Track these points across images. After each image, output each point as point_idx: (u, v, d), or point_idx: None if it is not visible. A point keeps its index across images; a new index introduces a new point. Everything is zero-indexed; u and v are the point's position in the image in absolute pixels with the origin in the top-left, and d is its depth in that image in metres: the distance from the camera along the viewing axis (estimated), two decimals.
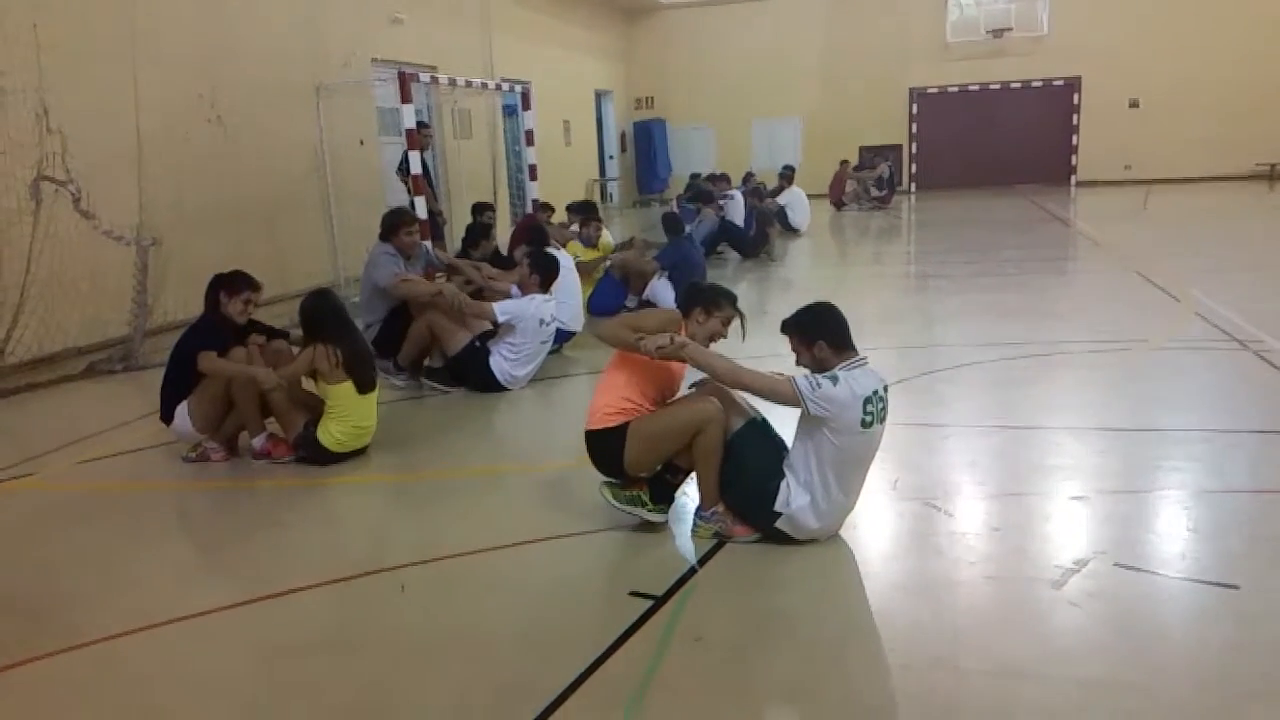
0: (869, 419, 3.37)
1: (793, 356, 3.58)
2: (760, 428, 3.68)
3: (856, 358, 3.47)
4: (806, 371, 3.47)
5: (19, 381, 6.74)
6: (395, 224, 6.33)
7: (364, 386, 4.78)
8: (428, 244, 7.30)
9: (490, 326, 6.09)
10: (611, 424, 3.67)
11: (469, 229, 8.01)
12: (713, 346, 3.78)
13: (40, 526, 4.37)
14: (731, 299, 3.85)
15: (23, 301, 6.87)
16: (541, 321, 6.11)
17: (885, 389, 3.46)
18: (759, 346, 4.59)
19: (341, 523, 4.33)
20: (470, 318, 6.12)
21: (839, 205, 18.58)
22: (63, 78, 7.17)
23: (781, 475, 3.48)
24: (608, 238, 9.91)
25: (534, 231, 7.93)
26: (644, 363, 3.65)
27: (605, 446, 3.71)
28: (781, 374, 3.45)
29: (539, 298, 6.14)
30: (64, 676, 3.00)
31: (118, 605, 3.43)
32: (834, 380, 3.34)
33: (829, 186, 18.98)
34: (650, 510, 3.71)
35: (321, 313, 4.78)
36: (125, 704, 2.84)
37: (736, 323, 3.85)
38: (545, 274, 6.23)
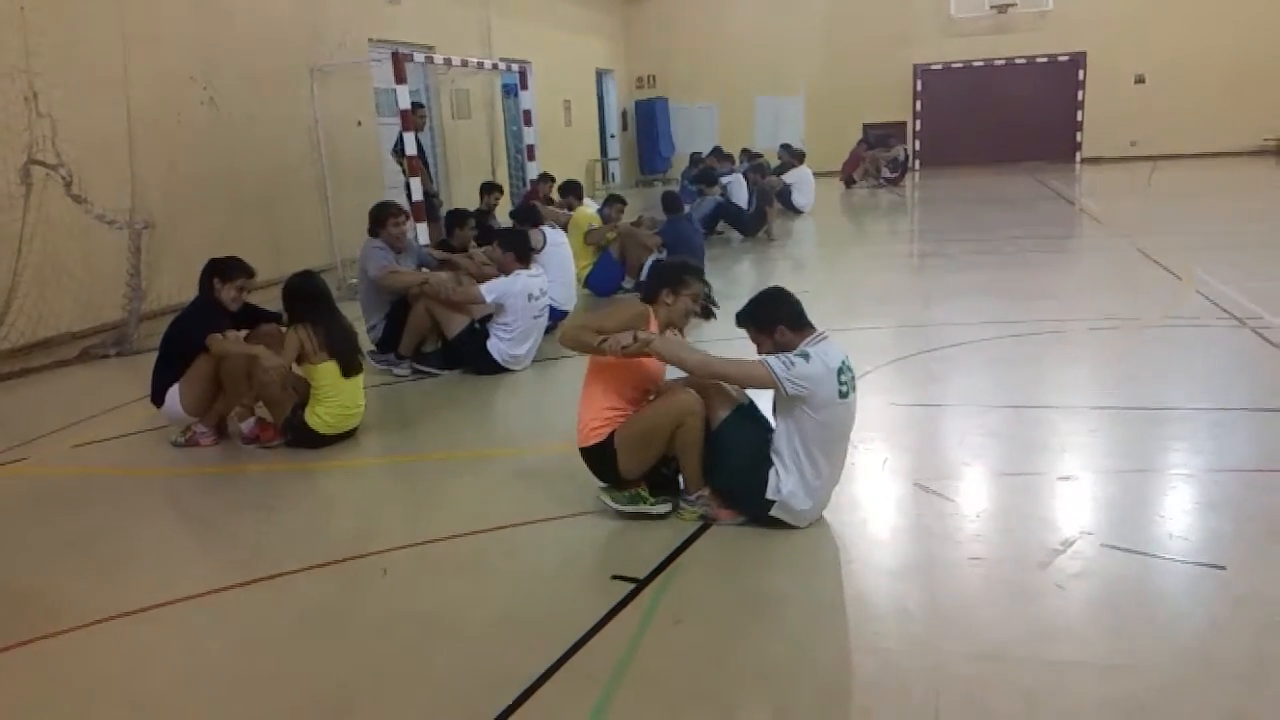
0: (845, 388, 3.37)
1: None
2: (747, 413, 3.65)
3: (817, 333, 3.46)
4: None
5: (13, 366, 6.74)
6: (382, 216, 6.27)
7: (347, 369, 4.77)
8: (421, 241, 7.23)
9: (490, 309, 6.08)
10: (600, 438, 3.64)
11: (448, 216, 7.96)
12: (693, 338, 3.72)
13: (30, 511, 4.38)
14: (696, 272, 3.79)
15: (15, 286, 6.87)
16: (530, 296, 6.07)
17: (848, 359, 3.45)
18: None
19: (328, 507, 4.32)
20: (469, 302, 6.09)
21: (849, 183, 18.43)
22: (51, 61, 7.12)
23: (769, 462, 3.46)
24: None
25: (525, 213, 7.91)
26: (617, 364, 3.58)
27: (600, 459, 3.68)
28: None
29: (524, 273, 6.11)
30: (51, 661, 3.00)
31: (105, 590, 3.44)
32: (805, 357, 3.33)
33: (842, 164, 18.84)
34: (652, 504, 3.68)
35: (302, 294, 4.77)
36: (110, 688, 2.84)
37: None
38: (518, 249, 6.18)
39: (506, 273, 6.13)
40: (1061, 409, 4.87)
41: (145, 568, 3.65)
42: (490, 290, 5.99)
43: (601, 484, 3.77)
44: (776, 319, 3.47)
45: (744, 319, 3.55)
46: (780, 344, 3.43)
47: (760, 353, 3.49)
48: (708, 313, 3.97)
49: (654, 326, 3.66)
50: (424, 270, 6.33)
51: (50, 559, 3.80)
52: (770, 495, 3.44)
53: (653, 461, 3.64)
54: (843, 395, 3.36)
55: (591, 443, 3.66)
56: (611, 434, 3.61)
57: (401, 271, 6.19)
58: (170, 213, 8.04)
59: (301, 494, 4.43)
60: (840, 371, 3.35)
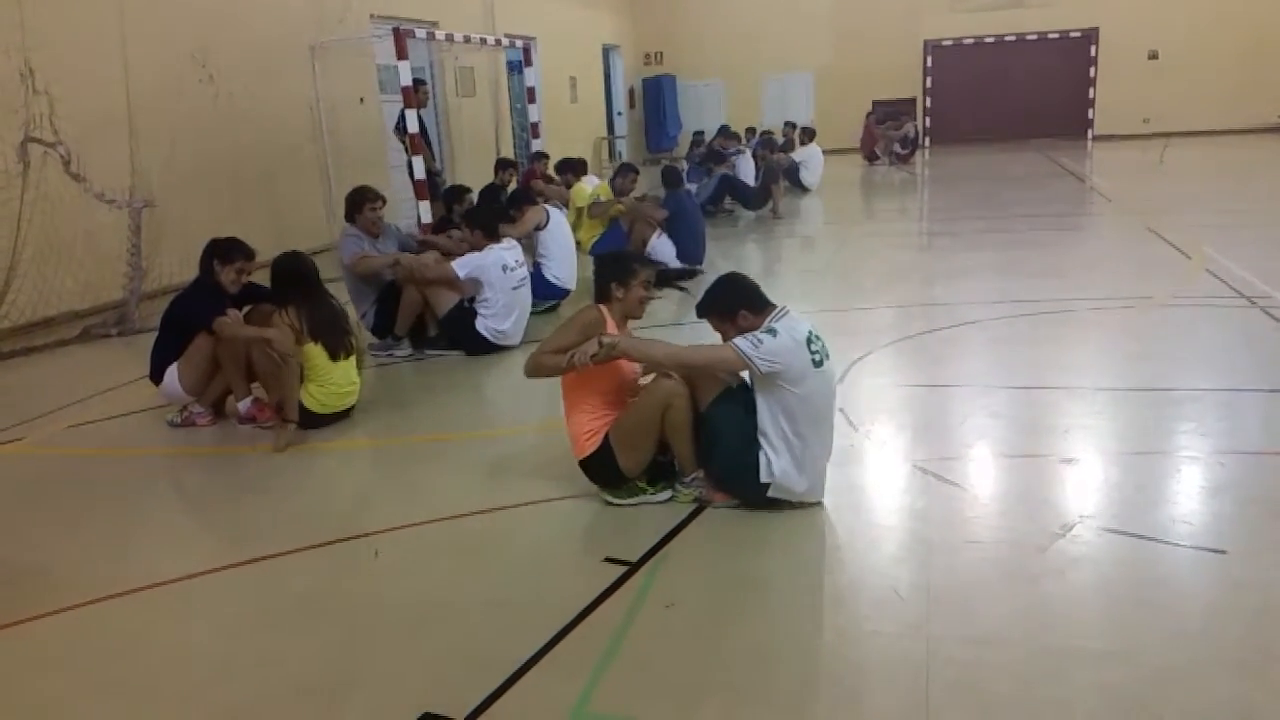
0: (817, 357, 3.34)
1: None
2: (735, 395, 3.58)
3: (778, 309, 3.43)
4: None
5: (14, 345, 6.74)
6: (358, 201, 6.19)
7: (334, 353, 4.73)
8: (399, 225, 7.16)
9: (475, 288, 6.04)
10: (596, 445, 3.60)
11: (446, 192, 7.92)
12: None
13: (25, 491, 4.37)
14: (639, 259, 3.78)
15: (15, 265, 6.85)
16: (505, 267, 6.03)
17: (814, 329, 3.42)
18: None
19: (322, 488, 4.30)
20: (442, 280, 6.04)
21: (872, 159, 18.24)
22: (48, 37, 7.06)
23: (759, 444, 3.41)
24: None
25: (517, 194, 7.89)
26: (589, 374, 3.52)
27: (600, 466, 3.64)
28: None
29: (497, 247, 6.07)
30: (44, 640, 3.00)
31: (98, 570, 3.43)
32: (772, 333, 3.29)
33: (860, 141, 18.65)
34: (654, 493, 3.65)
35: (289, 275, 4.73)
36: (102, 669, 2.83)
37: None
38: (485, 227, 6.15)
39: (479, 249, 6.09)
40: (1067, 390, 4.80)
41: (139, 548, 3.65)
42: (463, 266, 5.95)
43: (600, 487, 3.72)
44: (737, 304, 3.44)
45: (705, 309, 3.52)
46: (744, 329, 3.39)
47: (725, 340, 3.44)
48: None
49: (611, 326, 3.61)
50: (401, 253, 6.26)
51: (45, 539, 3.79)
52: (764, 478, 3.40)
53: (651, 453, 3.60)
54: (817, 365, 3.33)
55: (589, 452, 3.63)
56: (605, 438, 3.58)
57: (371, 256, 6.13)
58: (170, 192, 7.99)
59: (296, 475, 4.40)
60: (809, 341, 3.33)
